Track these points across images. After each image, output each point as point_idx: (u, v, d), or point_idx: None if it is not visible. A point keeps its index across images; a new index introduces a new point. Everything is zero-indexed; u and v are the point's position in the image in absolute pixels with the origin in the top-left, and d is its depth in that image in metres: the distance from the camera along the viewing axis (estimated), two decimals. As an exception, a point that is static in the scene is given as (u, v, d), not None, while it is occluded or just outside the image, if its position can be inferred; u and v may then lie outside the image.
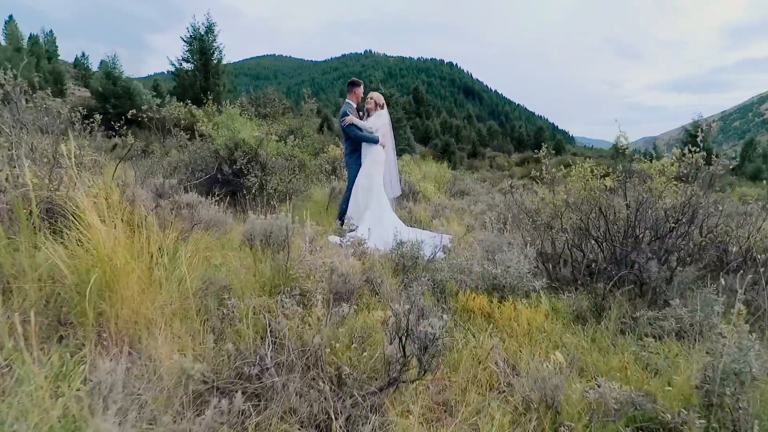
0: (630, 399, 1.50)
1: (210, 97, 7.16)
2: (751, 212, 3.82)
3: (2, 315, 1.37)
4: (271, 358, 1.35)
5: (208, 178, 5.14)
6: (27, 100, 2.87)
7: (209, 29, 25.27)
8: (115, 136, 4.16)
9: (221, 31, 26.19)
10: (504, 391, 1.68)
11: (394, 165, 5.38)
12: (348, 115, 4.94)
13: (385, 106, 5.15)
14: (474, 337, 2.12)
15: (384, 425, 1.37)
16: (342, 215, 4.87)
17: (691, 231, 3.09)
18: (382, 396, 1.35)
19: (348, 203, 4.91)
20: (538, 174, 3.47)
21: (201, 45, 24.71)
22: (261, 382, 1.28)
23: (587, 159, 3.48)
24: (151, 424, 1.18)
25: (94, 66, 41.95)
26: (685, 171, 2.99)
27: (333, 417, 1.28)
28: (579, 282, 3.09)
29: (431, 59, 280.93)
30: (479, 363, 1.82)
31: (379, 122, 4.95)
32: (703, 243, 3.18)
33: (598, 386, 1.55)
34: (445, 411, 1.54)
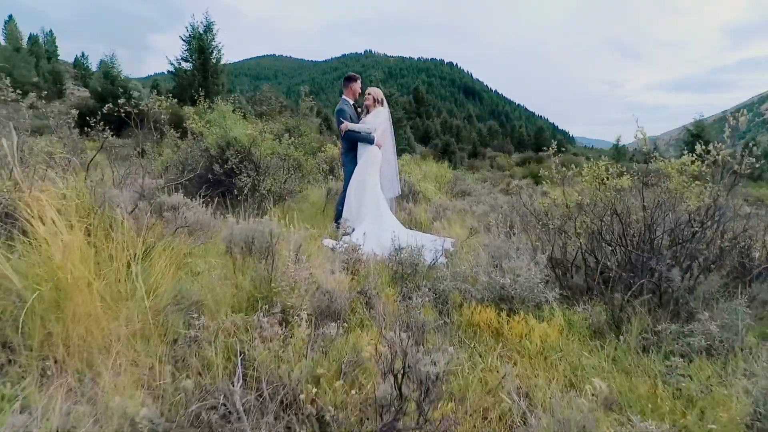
0: (670, 441, 1.26)
1: (201, 94, 6.89)
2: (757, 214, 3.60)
3: None
4: (240, 396, 1.11)
5: (199, 178, 4.89)
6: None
7: (208, 28, 25.14)
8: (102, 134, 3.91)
9: (220, 30, 26.06)
10: (519, 426, 1.44)
11: (394, 164, 5.14)
12: (344, 111, 4.72)
13: (385, 102, 4.89)
14: (481, 357, 1.88)
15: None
16: (339, 217, 4.63)
17: (716, 235, 2.84)
18: (374, 442, 1.11)
19: (344, 204, 4.69)
20: (546, 173, 3.23)
21: (200, 44, 24.58)
22: (225, 429, 1.04)
23: (588, 159, 3.24)
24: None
25: (94, 66, 41.84)
26: (707, 170, 2.75)
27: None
28: (593, 291, 2.84)
29: (431, 59, 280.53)
30: (489, 392, 1.58)
31: (378, 120, 4.69)
32: (727, 248, 2.94)
33: (632, 425, 1.31)
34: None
